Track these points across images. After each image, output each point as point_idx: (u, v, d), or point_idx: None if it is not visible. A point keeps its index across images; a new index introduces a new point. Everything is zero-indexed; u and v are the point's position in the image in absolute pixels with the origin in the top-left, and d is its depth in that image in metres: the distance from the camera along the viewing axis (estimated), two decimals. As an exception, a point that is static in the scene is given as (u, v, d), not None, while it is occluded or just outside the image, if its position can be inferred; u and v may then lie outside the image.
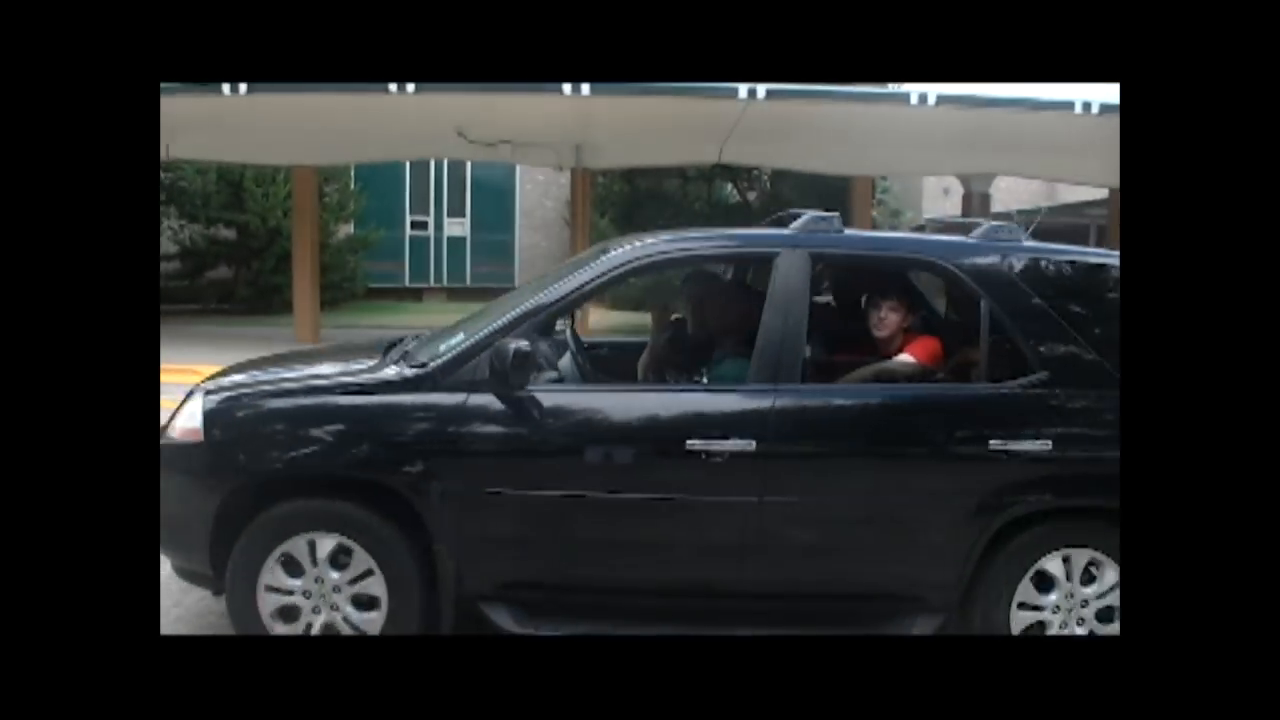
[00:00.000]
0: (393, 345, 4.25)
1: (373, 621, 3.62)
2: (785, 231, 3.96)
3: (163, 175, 18.55)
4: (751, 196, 20.84)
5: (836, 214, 3.94)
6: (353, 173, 20.86)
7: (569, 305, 3.83)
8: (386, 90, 10.43)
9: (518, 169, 21.94)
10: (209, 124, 12.75)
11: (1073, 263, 3.88)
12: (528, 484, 3.62)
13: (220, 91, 10.82)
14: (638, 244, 3.96)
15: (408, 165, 22.19)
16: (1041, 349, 3.66)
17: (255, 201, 18.71)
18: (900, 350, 4.12)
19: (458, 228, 23.22)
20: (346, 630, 3.63)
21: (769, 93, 10.44)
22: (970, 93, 10.73)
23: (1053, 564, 3.63)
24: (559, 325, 4.54)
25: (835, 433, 3.74)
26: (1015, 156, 13.33)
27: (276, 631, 3.63)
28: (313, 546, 3.59)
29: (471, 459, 3.61)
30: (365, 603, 3.63)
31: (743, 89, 10.41)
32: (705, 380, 4.17)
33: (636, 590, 3.76)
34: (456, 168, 22.77)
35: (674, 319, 4.90)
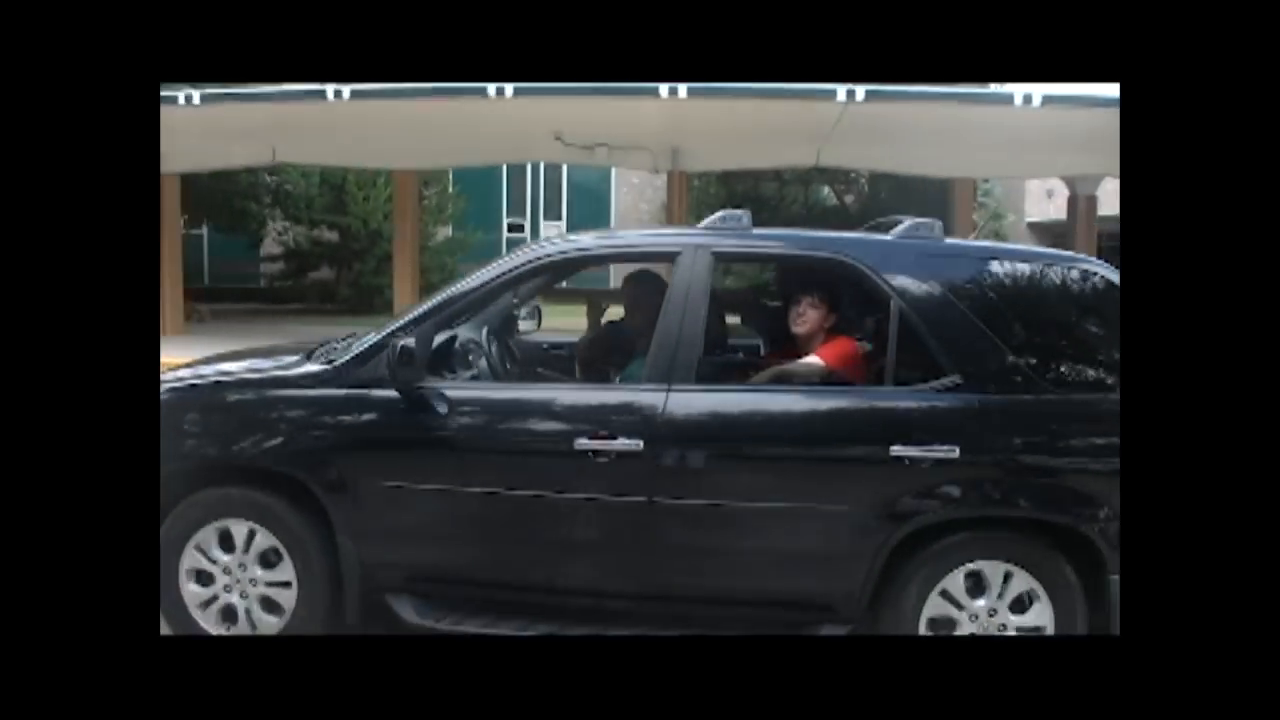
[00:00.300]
0: (323, 345, 4.33)
1: (287, 601, 3.75)
2: (688, 230, 3.94)
3: (269, 178, 19.08)
4: (849, 199, 20.60)
5: (746, 211, 3.90)
6: (451, 176, 21.18)
7: (467, 305, 3.85)
8: (485, 95, 10.53)
9: (613, 172, 22.02)
10: (313, 129, 13.03)
11: (997, 261, 3.73)
12: (423, 479, 3.69)
13: (325, 97, 11.05)
14: (536, 245, 3.99)
15: (505, 168, 22.45)
16: (954, 351, 3.53)
17: (357, 204, 19.11)
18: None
19: (554, 230, 23.43)
20: (260, 614, 3.77)
21: (868, 94, 10.28)
22: (1076, 93, 10.41)
23: (964, 578, 3.51)
24: (524, 325, 4.82)
25: (725, 435, 3.66)
26: (1124, 158, 12.91)
27: (198, 617, 3.78)
28: (228, 533, 3.75)
29: (370, 453, 3.73)
30: (279, 586, 3.76)
31: (841, 90, 10.26)
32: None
33: (541, 588, 3.76)
34: (553, 171, 22.97)
35: (608, 320, 4.84)
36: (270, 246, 20.67)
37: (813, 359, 3.95)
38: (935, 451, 3.43)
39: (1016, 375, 3.50)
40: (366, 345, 3.77)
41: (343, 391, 3.72)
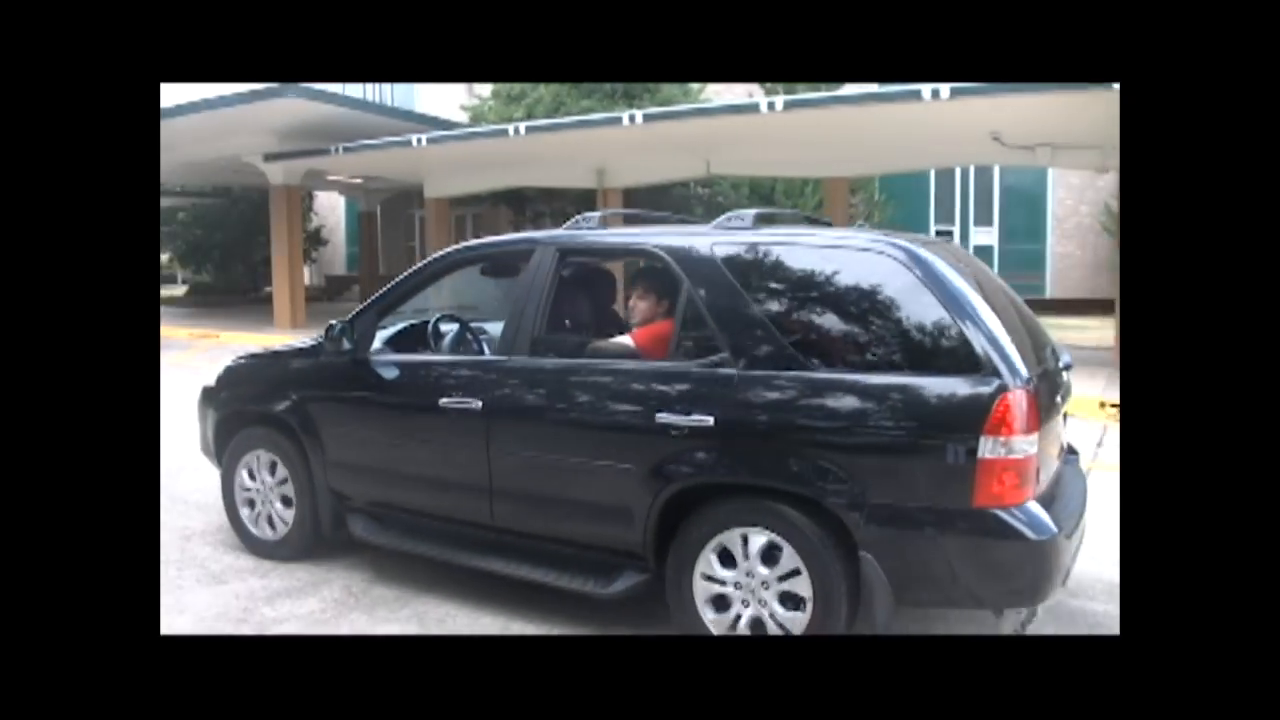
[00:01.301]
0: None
1: (291, 510, 5.04)
2: (542, 231, 4.73)
3: (700, 190, 19.81)
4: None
5: (599, 213, 4.55)
6: (877, 183, 20.91)
7: (393, 301, 4.86)
8: (920, 98, 10.23)
9: (1049, 174, 20.74)
10: (745, 140, 13.32)
11: (781, 248, 3.88)
12: (354, 424, 4.80)
13: (758, 110, 11.23)
14: (438, 252, 4.92)
15: (932, 174, 21.83)
16: (725, 330, 3.78)
17: (784, 214, 19.33)
18: None
19: (985, 236, 22.39)
20: (276, 517, 5.10)
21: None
22: None
23: (730, 540, 3.69)
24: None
25: (535, 398, 4.20)
26: None
27: (243, 514, 5.22)
28: (259, 459, 5.16)
29: (323, 404, 4.89)
30: (287, 504, 5.06)
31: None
32: None
33: (439, 517, 4.61)
34: (983, 174, 22.01)
35: None
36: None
37: (623, 338, 4.47)
38: (691, 420, 3.71)
39: (778, 353, 3.66)
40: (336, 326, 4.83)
41: (318, 359, 4.92)
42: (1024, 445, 3.29)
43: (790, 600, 3.59)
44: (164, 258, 33.89)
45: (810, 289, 3.76)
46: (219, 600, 4.55)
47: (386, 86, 27.40)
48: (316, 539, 4.98)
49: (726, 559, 3.70)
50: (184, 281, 33.17)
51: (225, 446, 5.30)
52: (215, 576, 4.88)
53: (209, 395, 5.49)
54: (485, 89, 20.69)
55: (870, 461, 3.47)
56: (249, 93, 16.04)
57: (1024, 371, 3.33)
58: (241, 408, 5.24)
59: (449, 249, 4.93)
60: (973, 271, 3.79)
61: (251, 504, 5.18)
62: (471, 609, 4.44)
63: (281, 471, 5.03)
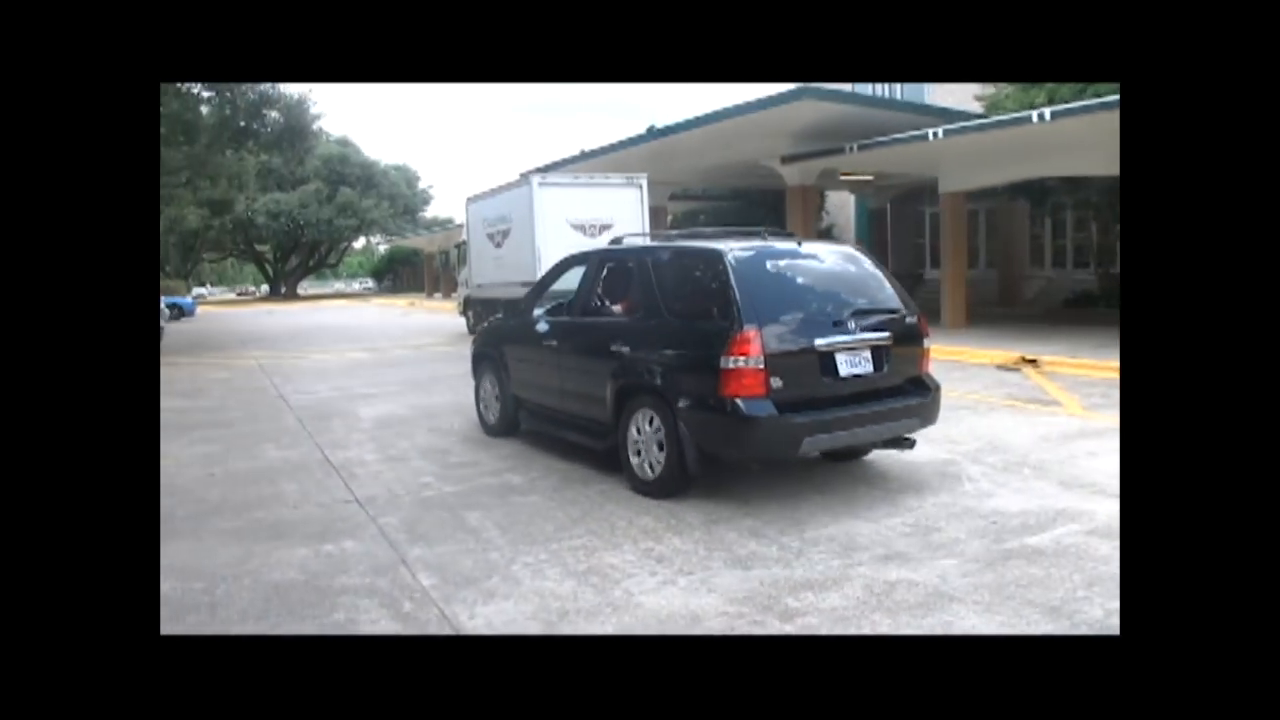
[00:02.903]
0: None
1: (497, 411, 9.11)
2: (599, 247, 8.70)
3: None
4: None
5: (625, 235, 8.67)
6: None
7: (541, 289, 8.74)
8: None
9: None
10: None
11: (668, 252, 7.11)
12: (521, 356, 8.54)
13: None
14: (566, 257, 8.88)
15: None
16: (643, 298, 7.00)
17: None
18: None
19: None
20: (492, 411, 9.20)
21: None
22: None
23: (640, 414, 6.70)
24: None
25: (577, 338, 7.70)
26: None
27: (479, 407, 9.48)
28: (488, 378, 9.26)
29: (512, 345, 8.74)
30: (492, 411, 9.22)
31: None
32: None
33: (548, 409, 8.16)
34: None
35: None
36: None
37: (617, 306, 7.66)
38: (622, 348, 6.88)
39: (662, 310, 6.72)
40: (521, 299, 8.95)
41: (511, 319, 8.99)
42: (752, 362, 5.83)
43: (659, 445, 6.44)
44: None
45: (675, 273, 6.78)
46: (745, 584, 4.82)
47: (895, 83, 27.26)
48: (508, 426, 8.87)
49: (643, 422, 6.63)
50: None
51: (476, 371, 9.42)
52: (740, 561, 5.19)
53: (473, 341, 9.71)
54: (1002, 76, 19.83)
55: (685, 372, 6.28)
56: (767, 98, 16.67)
57: (753, 320, 5.87)
58: (481, 349, 9.40)
59: (561, 259, 8.71)
60: (788, 264, 6.50)
61: (484, 402, 9.25)
62: (1000, 623, 4.23)
63: (496, 385, 8.95)
